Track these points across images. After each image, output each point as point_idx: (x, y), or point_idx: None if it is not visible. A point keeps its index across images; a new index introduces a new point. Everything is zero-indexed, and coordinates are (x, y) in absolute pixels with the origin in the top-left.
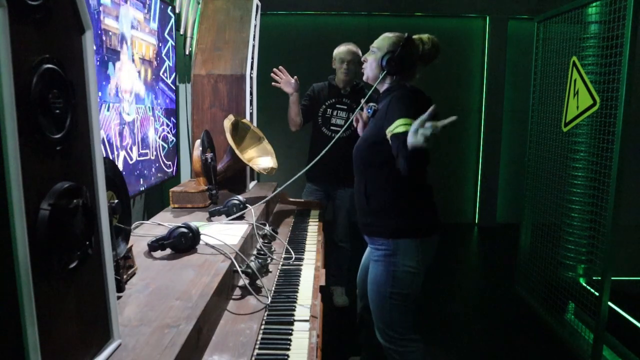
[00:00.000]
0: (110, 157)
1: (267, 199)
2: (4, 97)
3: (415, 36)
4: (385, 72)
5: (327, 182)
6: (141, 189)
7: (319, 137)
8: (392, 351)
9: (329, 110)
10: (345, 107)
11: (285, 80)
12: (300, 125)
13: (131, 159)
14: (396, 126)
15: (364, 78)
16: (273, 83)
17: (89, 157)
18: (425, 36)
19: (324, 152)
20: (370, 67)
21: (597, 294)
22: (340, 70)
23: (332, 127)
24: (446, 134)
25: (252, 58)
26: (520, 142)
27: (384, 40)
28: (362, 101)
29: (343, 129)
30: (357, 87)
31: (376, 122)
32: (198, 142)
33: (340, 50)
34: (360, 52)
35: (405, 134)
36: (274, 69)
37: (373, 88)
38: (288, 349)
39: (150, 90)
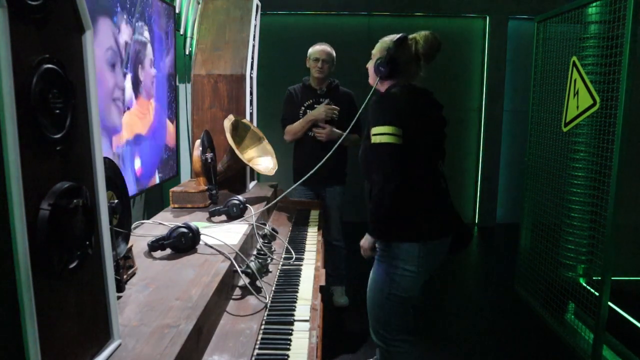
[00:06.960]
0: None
1: (273, 202)
2: (4, 97)
3: (411, 35)
4: (379, 77)
5: (315, 182)
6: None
7: (302, 139)
8: (382, 349)
9: (308, 111)
10: None
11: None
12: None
13: None
14: (373, 135)
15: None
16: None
17: (89, 157)
18: (420, 34)
19: (331, 153)
20: (370, 74)
21: (597, 294)
22: (314, 69)
23: (312, 128)
24: (447, 133)
25: (252, 58)
26: (520, 142)
27: (379, 45)
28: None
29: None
30: (332, 85)
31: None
32: (198, 142)
33: (315, 49)
34: (334, 54)
35: (383, 145)
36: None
37: (371, 93)
38: (288, 349)
39: None
